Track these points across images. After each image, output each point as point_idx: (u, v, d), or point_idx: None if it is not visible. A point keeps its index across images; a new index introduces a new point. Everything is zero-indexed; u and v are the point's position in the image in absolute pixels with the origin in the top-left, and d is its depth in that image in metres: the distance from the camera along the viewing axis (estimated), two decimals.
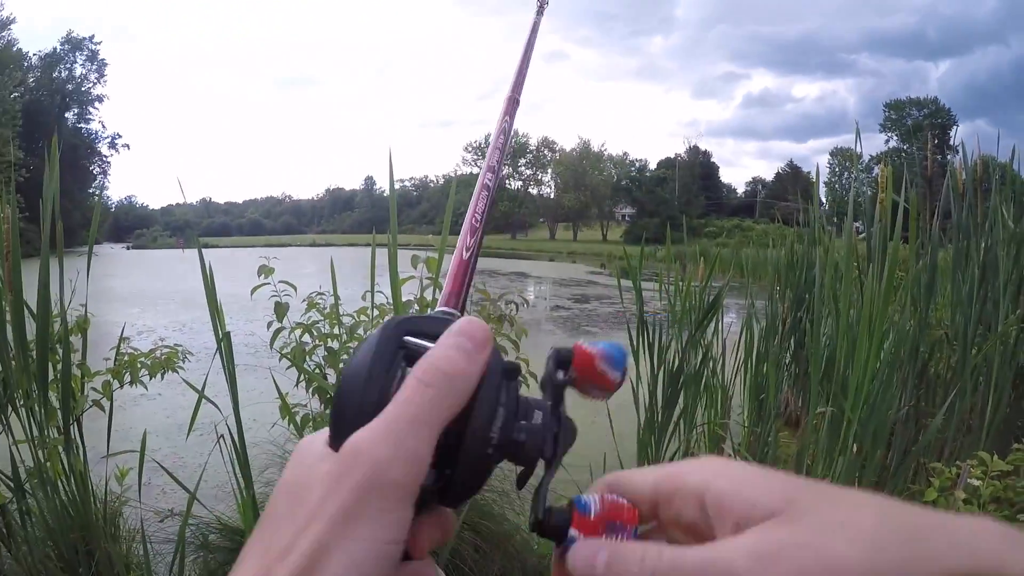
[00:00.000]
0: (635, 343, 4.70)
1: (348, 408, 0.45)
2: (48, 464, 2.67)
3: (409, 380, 0.45)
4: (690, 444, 5.12)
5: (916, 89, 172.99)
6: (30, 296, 2.66)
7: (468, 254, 0.72)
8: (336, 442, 0.44)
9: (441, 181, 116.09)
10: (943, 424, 3.00)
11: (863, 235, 3.74)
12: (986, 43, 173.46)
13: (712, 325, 4.93)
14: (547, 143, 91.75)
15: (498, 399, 0.49)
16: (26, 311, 2.66)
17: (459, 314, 0.64)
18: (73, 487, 2.76)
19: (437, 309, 0.65)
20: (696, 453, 5.16)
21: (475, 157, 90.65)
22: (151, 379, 3.20)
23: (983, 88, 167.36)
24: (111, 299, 17.46)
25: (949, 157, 5.70)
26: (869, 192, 3.61)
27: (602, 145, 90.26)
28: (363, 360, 0.47)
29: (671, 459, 4.89)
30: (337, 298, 3.15)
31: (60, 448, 2.68)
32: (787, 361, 5.50)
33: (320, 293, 3.43)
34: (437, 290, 2.86)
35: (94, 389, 3.01)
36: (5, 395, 2.72)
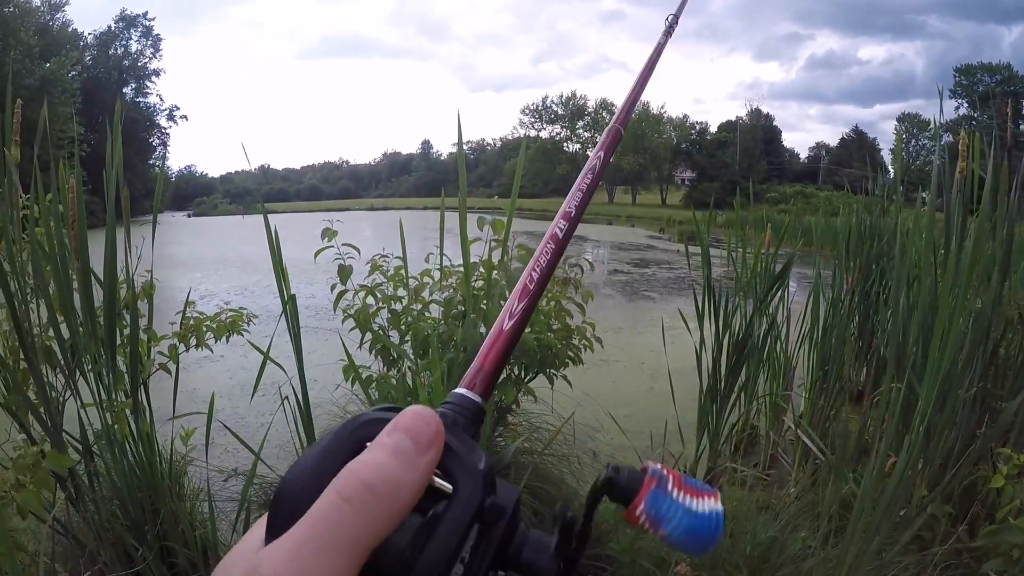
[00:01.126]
0: (700, 308, 4.64)
1: (281, 514, 0.38)
2: (116, 427, 2.73)
3: (327, 492, 0.37)
4: (750, 415, 5.07)
5: (988, 54, 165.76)
6: (96, 265, 2.72)
7: (512, 323, 0.66)
8: None
9: (498, 144, 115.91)
10: (1014, 410, 2.90)
11: (933, 206, 3.61)
12: None
13: (777, 294, 4.85)
14: (605, 105, 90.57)
15: (459, 546, 0.40)
16: (93, 279, 2.71)
17: (478, 400, 0.58)
18: (140, 449, 2.82)
19: (457, 391, 0.58)
20: (756, 424, 5.11)
21: (532, 120, 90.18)
22: (216, 342, 3.26)
23: None
24: (174, 265, 17.83)
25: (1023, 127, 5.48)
26: (937, 162, 3.46)
27: (661, 107, 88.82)
28: (309, 458, 0.40)
29: (730, 429, 4.87)
30: (405, 260, 3.16)
31: (128, 411, 2.74)
32: (852, 334, 5.38)
33: (384, 256, 3.44)
34: (504, 253, 2.85)
35: (160, 353, 3.06)
36: (74, 361, 2.78)
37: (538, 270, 0.71)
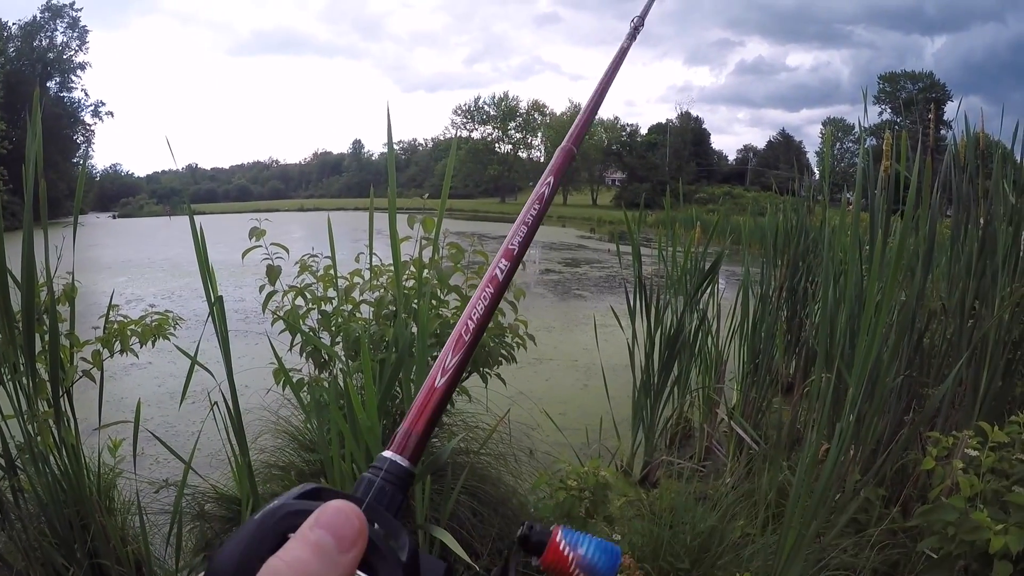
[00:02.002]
0: (632, 305, 4.70)
1: None
2: (39, 438, 2.63)
3: None
4: (684, 408, 5.14)
5: (911, 63, 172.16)
6: (14, 267, 2.61)
7: (444, 379, 0.64)
8: None
9: (430, 144, 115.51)
10: (940, 395, 3.00)
11: (859, 206, 3.71)
12: (983, 20, 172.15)
13: (707, 290, 4.93)
14: (537, 107, 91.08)
15: None
16: (10, 281, 2.60)
17: (407, 466, 0.56)
18: (65, 461, 2.72)
19: (386, 454, 0.57)
20: (690, 417, 5.19)
21: (464, 120, 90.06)
22: (142, 347, 3.16)
23: (979, 65, 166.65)
24: (98, 269, 17.36)
25: (944, 132, 5.67)
26: (861, 165, 3.57)
27: None
28: (232, 549, 0.40)
29: (665, 423, 4.93)
30: (334, 260, 3.11)
31: (50, 421, 2.64)
32: (781, 328, 5.50)
33: (313, 256, 3.39)
34: (435, 251, 2.83)
35: (83, 359, 2.96)
36: None
37: (474, 319, 0.69)
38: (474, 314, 0.69)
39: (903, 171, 3.22)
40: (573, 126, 0.98)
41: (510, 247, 0.77)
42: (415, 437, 0.59)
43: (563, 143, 0.96)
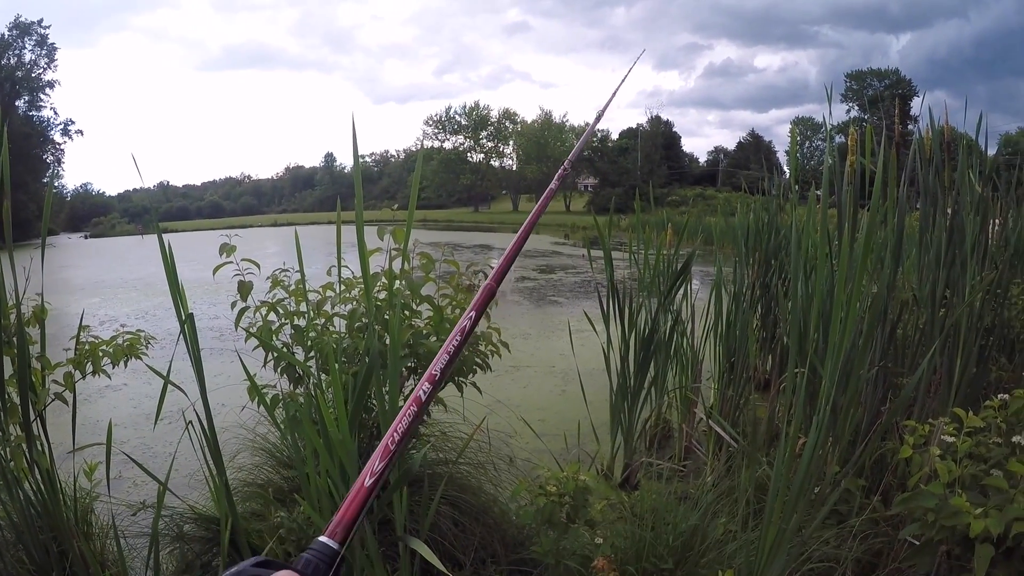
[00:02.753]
0: (606, 309, 4.71)
1: None
2: (12, 464, 2.59)
3: None
4: (662, 409, 5.16)
5: (877, 61, 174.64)
6: None
7: (372, 481, 0.74)
8: None
9: (402, 156, 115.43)
10: (914, 384, 3.04)
11: (827, 202, 3.75)
12: (947, 17, 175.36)
13: (680, 291, 4.96)
14: (508, 115, 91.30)
15: None
16: None
17: (335, 547, 0.68)
18: (40, 485, 2.69)
19: (320, 539, 0.68)
20: (668, 418, 5.20)
21: (436, 131, 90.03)
22: (114, 367, 3.12)
23: (943, 61, 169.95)
24: (71, 290, 17.16)
25: (911, 127, 5.75)
26: (828, 160, 3.62)
27: (564, 116, 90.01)
28: None
29: (643, 425, 4.94)
30: (303, 273, 3.09)
31: (23, 445, 2.61)
32: (755, 325, 5.53)
33: (284, 270, 3.36)
34: (405, 261, 2.82)
35: (55, 382, 2.92)
36: None
37: (399, 431, 0.78)
38: (399, 428, 0.78)
39: (868, 165, 3.26)
40: (498, 263, 1.09)
41: (433, 372, 0.85)
42: (344, 524, 0.70)
43: (487, 280, 1.05)
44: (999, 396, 2.73)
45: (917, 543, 2.57)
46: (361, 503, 0.72)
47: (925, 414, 3.50)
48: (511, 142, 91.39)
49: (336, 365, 2.42)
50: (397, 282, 2.80)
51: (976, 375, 3.69)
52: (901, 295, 4.03)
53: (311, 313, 3.10)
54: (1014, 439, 2.48)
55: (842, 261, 2.69)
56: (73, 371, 2.97)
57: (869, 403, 3.61)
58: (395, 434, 0.78)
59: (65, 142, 66.63)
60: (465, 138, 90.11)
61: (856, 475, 3.15)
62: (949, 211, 3.86)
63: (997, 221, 4.40)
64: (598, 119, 1.20)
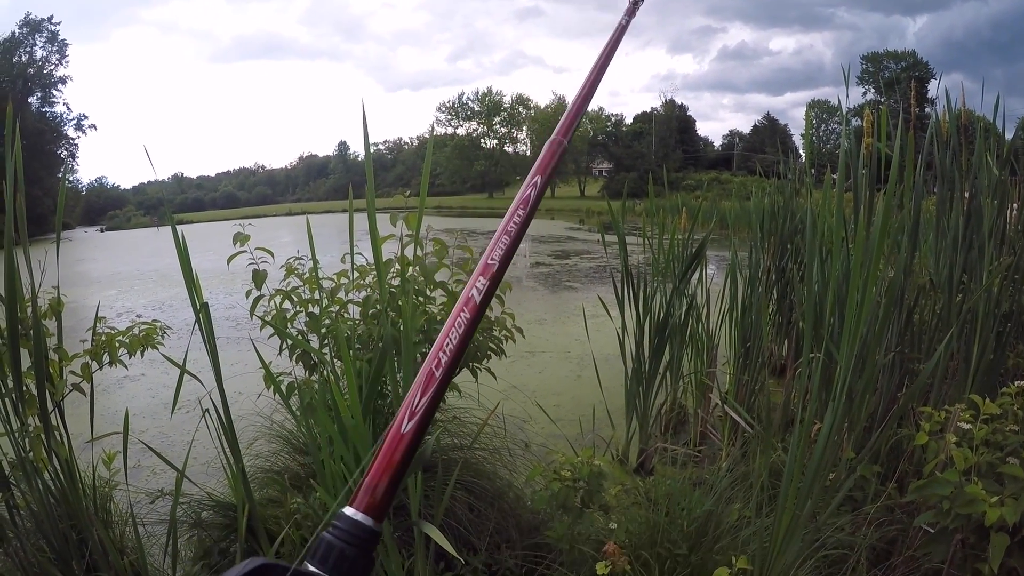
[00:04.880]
0: (620, 294, 4.70)
1: None
2: (31, 454, 2.62)
3: None
4: (677, 394, 5.15)
5: (894, 43, 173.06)
6: None
7: (412, 424, 0.58)
8: None
9: (415, 143, 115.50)
10: (930, 370, 3.02)
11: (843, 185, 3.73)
12: None
13: (696, 276, 4.94)
14: (521, 100, 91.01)
15: None
16: None
17: (370, 525, 0.52)
18: (60, 476, 2.71)
19: (347, 512, 0.53)
20: (683, 403, 5.20)
21: (449, 117, 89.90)
22: (131, 358, 3.15)
23: (960, 43, 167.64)
24: (88, 283, 17.30)
25: (928, 110, 5.71)
26: (844, 143, 3.60)
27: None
28: None
29: (658, 410, 4.94)
30: (316, 261, 3.10)
31: (42, 436, 2.63)
32: (771, 310, 5.51)
33: (298, 258, 3.38)
34: (419, 247, 2.82)
35: (73, 373, 2.95)
36: None
37: (447, 351, 0.62)
38: (447, 345, 0.62)
39: (883, 149, 3.24)
40: (564, 116, 0.89)
41: (489, 263, 0.68)
42: (381, 491, 0.54)
43: (553, 135, 0.85)
44: (1016, 383, 2.71)
45: (932, 531, 2.56)
46: (401, 458, 0.56)
47: (941, 400, 3.48)
48: (524, 127, 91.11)
49: (349, 352, 2.43)
50: (410, 268, 2.81)
51: (993, 361, 3.66)
52: (918, 280, 4.00)
53: (325, 300, 3.11)
54: None
55: (858, 245, 2.67)
56: (90, 362, 3.00)
57: (885, 389, 3.59)
58: (442, 354, 0.61)
59: (79, 137, 66.76)
60: (478, 124, 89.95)
61: (871, 461, 3.13)
62: (966, 195, 3.83)
63: (1015, 205, 4.35)
64: (596, 76, 1.00)
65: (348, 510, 0.53)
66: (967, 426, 2.54)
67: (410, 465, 0.58)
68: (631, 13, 1.11)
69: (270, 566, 0.46)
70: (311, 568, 0.49)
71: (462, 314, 0.64)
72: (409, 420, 0.58)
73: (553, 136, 0.85)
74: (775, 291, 5.45)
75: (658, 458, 4.50)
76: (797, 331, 5.06)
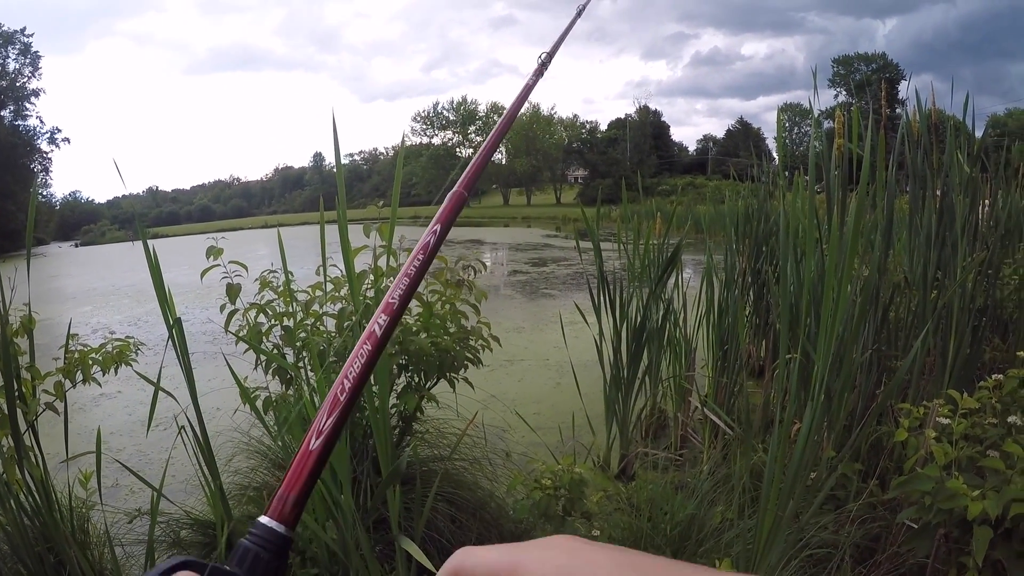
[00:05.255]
0: (596, 300, 4.70)
1: None
2: (4, 475, 2.57)
3: None
4: (656, 399, 5.16)
5: (864, 46, 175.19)
6: None
7: (319, 441, 0.62)
8: None
9: (391, 153, 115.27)
10: (907, 367, 3.04)
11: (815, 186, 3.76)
12: (932, 1, 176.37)
13: (672, 280, 4.95)
14: (496, 109, 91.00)
15: None
16: None
17: (282, 532, 0.55)
18: (35, 496, 2.67)
19: (262, 520, 0.56)
20: (663, 407, 5.20)
21: (424, 127, 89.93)
22: (104, 375, 3.10)
23: (929, 44, 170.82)
24: (62, 299, 17.11)
25: (899, 110, 5.77)
26: (815, 146, 3.62)
27: (552, 108, 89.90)
28: None
29: (638, 415, 4.94)
30: (288, 274, 3.07)
31: (15, 456, 2.59)
32: (748, 312, 5.54)
33: (272, 271, 3.35)
34: (393, 258, 2.80)
35: (46, 392, 2.90)
36: None
37: (350, 378, 0.66)
38: (350, 373, 0.66)
39: (855, 149, 3.26)
40: (467, 169, 0.94)
41: (390, 301, 0.72)
42: (291, 501, 0.58)
43: (455, 187, 0.90)
44: (993, 376, 2.73)
45: (915, 527, 2.57)
46: (310, 472, 0.60)
47: (920, 396, 3.50)
48: None
49: (323, 365, 2.41)
50: (384, 279, 2.79)
51: (970, 356, 3.69)
52: (893, 278, 4.04)
53: (299, 313, 3.09)
54: (1009, 419, 2.48)
55: (832, 245, 2.68)
56: (63, 380, 2.95)
57: (863, 387, 3.61)
58: (345, 380, 0.66)
59: (52, 151, 66.11)
60: (453, 133, 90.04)
61: (852, 459, 3.15)
62: (938, 192, 3.86)
63: (986, 201, 4.40)
64: (502, 131, 1.10)
65: (263, 518, 0.57)
66: (946, 421, 2.55)
67: (318, 477, 0.62)
68: (539, 74, 1.17)
69: (191, 562, 0.48)
70: (227, 568, 0.53)
71: (364, 346, 0.68)
72: (316, 438, 0.62)
73: (455, 188, 0.90)
74: (751, 293, 5.48)
75: (639, 463, 4.50)
76: (774, 332, 5.08)
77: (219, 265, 3.15)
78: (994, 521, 2.19)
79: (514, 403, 5.29)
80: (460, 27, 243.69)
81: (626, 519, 3.02)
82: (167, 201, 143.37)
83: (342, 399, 0.65)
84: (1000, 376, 2.72)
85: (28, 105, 63.38)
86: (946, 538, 2.47)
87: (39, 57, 63.76)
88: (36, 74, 63.67)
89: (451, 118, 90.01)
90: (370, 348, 0.68)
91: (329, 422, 0.63)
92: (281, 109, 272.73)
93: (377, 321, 0.70)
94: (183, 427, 2.56)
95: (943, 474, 2.36)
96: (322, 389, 2.22)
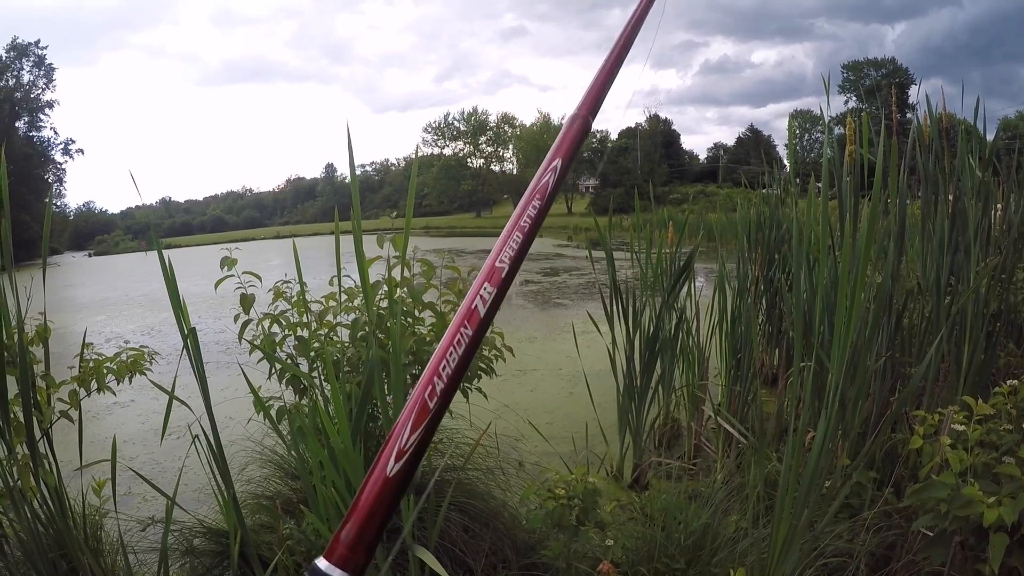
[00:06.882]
0: (609, 310, 4.70)
1: None
2: (19, 483, 2.59)
3: None
4: (669, 408, 5.14)
5: (873, 51, 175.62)
6: None
7: (399, 466, 0.49)
8: None
9: (403, 164, 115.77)
10: (922, 373, 3.02)
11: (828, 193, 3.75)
12: (940, 4, 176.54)
13: (684, 289, 4.94)
14: (507, 119, 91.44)
15: None
16: None
17: None
18: (49, 504, 2.68)
19: (319, 564, 0.47)
20: (677, 416, 5.18)
21: (435, 137, 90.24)
22: (119, 384, 3.11)
23: (938, 48, 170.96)
24: (76, 309, 17.21)
25: (909, 115, 5.76)
26: (828, 152, 3.62)
27: (562, 118, 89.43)
28: None
29: (651, 424, 4.93)
30: (303, 284, 3.08)
31: (29, 463, 2.60)
32: (760, 320, 5.52)
33: (286, 282, 3.37)
34: (406, 268, 2.81)
35: (60, 400, 2.92)
36: None
37: (444, 377, 0.53)
38: (444, 369, 0.52)
39: (866, 155, 3.25)
40: (586, 90, 0.76)
41: (498, 265, 0.57)
42: (359, 543, 0.47)
43: (574, 110, 0.72)
44: (1008, 382, 2.71)
45: (931, 534, 2.55)
46: (386, 505, 0.48)
47: (934, 403, 3.48)
48: (511, 146, 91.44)
49: (337, 376, 2.42)
50: (398, 290, 2.80)
51: (984, 362, 3.67)
52: (906, 284, 4.02)
53: (313, 324, 3.10)
54: None
55: (845, 252, 2.67)
56: (78, 389, 2.97)
57: (878, 394, 3.59)
58: (437, 380, 0.51)
59: (66, 161, 66.98)
60: (464, 144, 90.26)
61: (867, 467, 3.13)
62: (950, 197, 3.85)
63: (999, 206, 4.38)
64: (625, 43, 0.90)
65: (322, 563, 0.47)
66: (961, 428, 2.54)
67: (393, 511, 0.50)
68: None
69: None
70: None
71: (463, 330, 0.54)
72: (396, 461, 0.49)
73: (575, 111, 0.72)
74: (764, 301, 5.46)
75: (653, 473, 4.48)
76: (787, 340, 5.06)
77: (233, 276, 3.17)
78: (1010, 528, 2.17)
79: (527, 413, 5.29)
80: (471, 38, 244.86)
81: (640, 529, 3.01)
82: (180, 212, 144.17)
83: (432, 405, 0.52)
84: (1015, 381, 2.70)
85: (42, 116, 64.35)
86: (962, 546, 2.45)
87: (53, 69, 64.53)
88: (50, 86, 64.49)
89: (462, 129, 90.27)
90: (471, 332, 0.54)
91: (414, 438, 0.50)
92: (293, 120, 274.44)
93: (480, 295, 0.56)
94: (197, 436, 2.57)
95: (959, 481, 2.35)
96: (337, 399, 2.22)
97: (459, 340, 0.53)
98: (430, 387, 0.51)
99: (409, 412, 0.51)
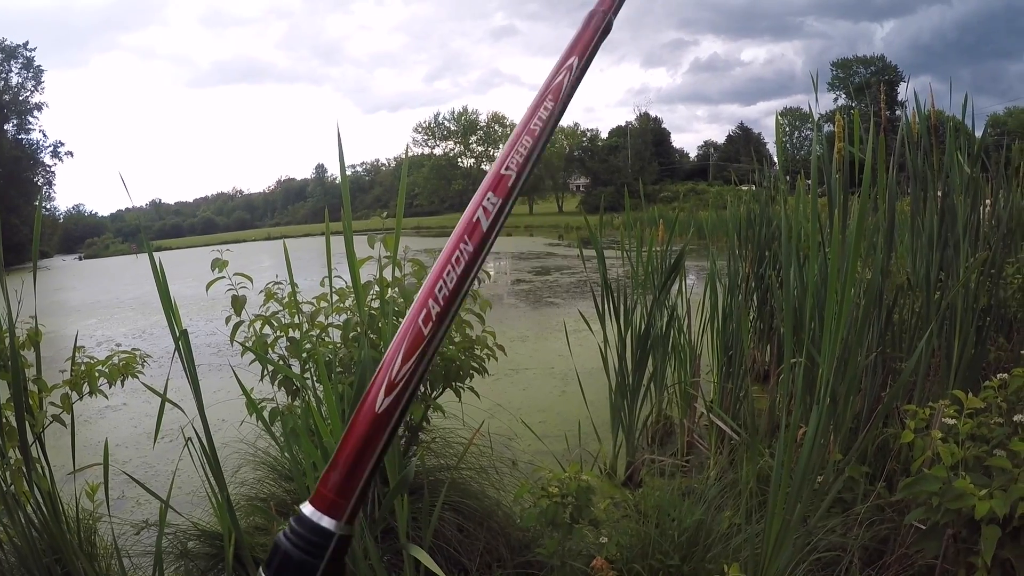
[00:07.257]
0: (601, 308, 4.71)
1: None
2: (12, 487, 2.58)
3: None
4: (662, 405, 5.15)
5: (863, 49, 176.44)
6: None
7: (388, 400, 0.44)
8: None
9: (393, 164, 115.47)
10: (912, 368, 3.04)
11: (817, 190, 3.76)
12: (929, 2, 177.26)
13: (675, 286, 4.96)
14: (497, 119, 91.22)
15: None
16: None
17: (330, 528, 0.41)
18: (43, 508, 2.67)
19: (305, 510, 0.43)
20: (669, 414, 5.19)
21: (425, 137, 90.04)
22: (111, 387, 3.10)
23: (927, 46, 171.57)
24: (67, 312, 17.13)
25: (898, 112, 5.79)
26: (817, 149, 3.63)
27: None
28: None
29: (644, 422, 4.94)
30: (294, 286, 3.08)
31: (22, 468, 2.59)
32: (752, 317, 5.54)
33: (277, 283, 3.36)
34: (397, 268, 2.81)
35: (52, 404, 2.91)
36: None
37: (441, 299, 0.48)
38: (440, 290, 0.47)
39: (856, 152, 3.26)
40: None
41: (504, 173, 0.52)
42: (346, 486, 0.42)
43: (594, 6, 0.65)
44: (998, 376, 2.73)
45: (923, 528, 2.56)
46: (375, 444, 0.43)
47: (925, 397, 3.50)
48: (501, 146, 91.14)
49: (329, 376, 2.42)
50: (390, 290, 2.80)
51: (974, 356, 3.69)
52: (896, 280, 4.04)
53: (305, 325, 3.09)
54: (1015, 418, 2.48)
55: (834, 248, 2.69)
56: (70, 392, 2.96)
57: (869, 389, 3.61)
58: (433, 303, 0.47)
59: (55, 164, 66.29)
60: (455, 143, 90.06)
61: (859, 462, 3.14)
62: (939, 194, 3.87)
63: (988, 201, 4.41)
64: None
65: (307, 508, 0.43)
66: (952, 421, 2.55)
67: (385, 453, 0.44)
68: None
69: None
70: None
71: (462, 245, 0.49)
72: (386, 395, 0.44)
73: (594, 7, 0.64)
74: (755, 298, 5.48)
75: (646, 470, 4.49)
76: (778, 337, 5.08)
77: (224, 277, 3.16)
78: (1002, 520, 2.19)
79: (520, 412, 5.29)
80: (461, 38, 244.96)
81: (633, 526, 3.02)
82: (170, 214, 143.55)
83: (427, 331, 0.46)
84: (1005, 375, 2.71)
85: (31, 119, 63.67)
86: (954, 538, 2.46)
87: (42, 71, 64.08)
88: (39, 88, 63.97)
89: (452, 128, 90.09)
90: (471, 249, 0.50)
91: (406, 368, 0.45)
92: (283, 121, 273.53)
93: (483, 205, 0.51)
94: (189, 439, 2.56)
95: (950, 474, 2.36)
96: (329, 400, 2.23)
97: (457, 257, 0.48)
98: (424, 311, 0.47)
99: (401, 340, 0.46)
